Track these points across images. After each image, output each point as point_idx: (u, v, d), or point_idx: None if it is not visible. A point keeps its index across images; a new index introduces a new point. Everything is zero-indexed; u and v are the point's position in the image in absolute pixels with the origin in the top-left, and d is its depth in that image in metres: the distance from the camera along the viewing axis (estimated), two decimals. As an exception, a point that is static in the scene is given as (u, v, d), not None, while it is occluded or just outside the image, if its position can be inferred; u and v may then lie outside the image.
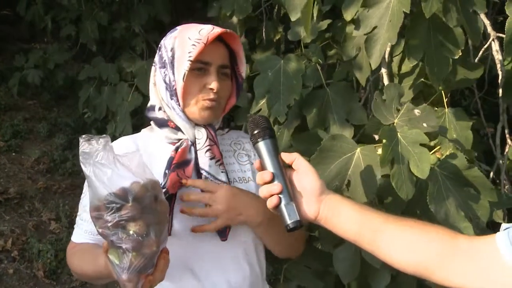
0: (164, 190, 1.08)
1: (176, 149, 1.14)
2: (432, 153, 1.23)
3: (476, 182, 1.18)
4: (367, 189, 1.16)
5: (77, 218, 1.18)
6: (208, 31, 1.11)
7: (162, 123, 1.18)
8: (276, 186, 0.90)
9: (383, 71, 1.47)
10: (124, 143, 1.20)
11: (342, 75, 1.77)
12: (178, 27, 1.18)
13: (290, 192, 0.91)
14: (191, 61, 1.09)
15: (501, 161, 1.61)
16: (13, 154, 4.20)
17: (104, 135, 0.86)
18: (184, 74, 1.10)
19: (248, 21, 2.41)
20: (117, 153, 0.87)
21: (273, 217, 1.09)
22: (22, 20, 4.53)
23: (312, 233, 1.42)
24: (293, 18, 1.40)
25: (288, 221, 0.90)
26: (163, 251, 0.90)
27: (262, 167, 0.94)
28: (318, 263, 1.53)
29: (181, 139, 1.16)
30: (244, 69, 1.22)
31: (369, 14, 1.31)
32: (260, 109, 1.92)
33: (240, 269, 1.16)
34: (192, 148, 1.15)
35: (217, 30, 1.12)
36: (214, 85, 1.12)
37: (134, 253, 0.83)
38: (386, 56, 1.51)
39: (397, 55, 1.58)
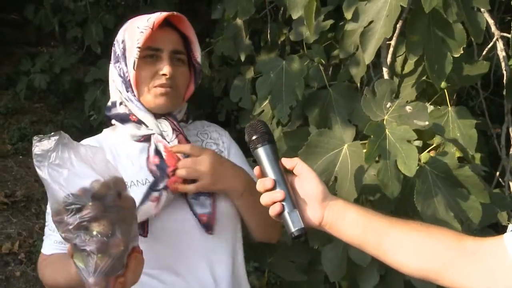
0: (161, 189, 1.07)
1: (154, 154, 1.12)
2: (428, 152, 1.20)
3: (467, 182, 1.15)
4: (354, 186, 1.14)
5: (46, 229, 1.15)
6: (155, 16, 1.10)
7: (124, 118, 1.16)
8: (279, 193, 0.88)
9: (385, 71, 1.46)
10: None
11: (346, 76, 1.76)
12: (129, 20, 1.17)
13: (293, 198, 0.89)
14: (139, 47, 1.08)
15: (506, 163, 1.59)
16: (20, 157, 4.21)
17: (56, 132, 0.81)
18: (134, 62, 1.09)
19: (253, 23, 2.41)
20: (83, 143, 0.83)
21: (254, 191, 1.08)
22: (29, 24, 4.56)
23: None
24: (294, 16, 1.40)
25: (293, 229, 0.87)
26: (135, 250, 0.86)
27: (263, 174, 0.92)
28: (302, 258, 1.54)
29: (145, 135, 1.14)
30: (199, 54, 1.20)
31: (367, 7, 1.30)
32: (263, 110, 1.92)
33: (223, 262, 1.14)
34: (160, 144, 1.13)
35: (164, 13, 1.10)
36: (166, 69, 1.10)
37: (100, 255, 0.78)
38: (389, 56, 1.50)
39: (400, 55, 1.57)
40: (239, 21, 2.30)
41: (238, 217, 1.20)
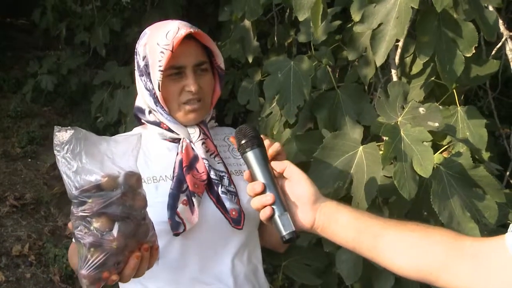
0: (187, 192, 1.09)
1: (181, 150, 1.15)
2: (440, 152, 1.20)
3: (483, 182, 1.15)
4: (370, 188, 1.14)
5: None
6: (174, 34, 1.08)
7: (156, 125, 1.19)
8: (269, 196, 0.88)
9: (393, 72, 1.46)
10: None
11: (353, 78, 1.76)
12: (147, 31, 1.17)
13: (283, 202, 0.89)
14: (161, 70, 1.09)
15: (516, 162, 1.58)
16: (29, 160, 4.25)
17: (73, 126, 0.83)
18: (159, 84, 1.10)
19: (259, 25, 2.41)
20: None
21: None
22: (37, 29, 4.59)
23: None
24: (300, 18, 1.39)
25: (284, 233, 0.87)
26: (142, 248, 0.86)
27: (253, 178, 0.92)
28: (318, 262, 1.53)
29: (176, 138, 1.18)
30: (221, 61, 1.21)
31: (376, 10, 1.28)
32: (271, 112, 1.92)
33: (247, 257, 1.17)
34: (191, 143, 1.17)
35: (182, 31, 1.09)
36: (192, 87, 1.12)
37: (92, 249, 0.80)
38: (397, 57, 1.49)
39: (407, 56, 1.57)
40: (246, 23, 2.30)
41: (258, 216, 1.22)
